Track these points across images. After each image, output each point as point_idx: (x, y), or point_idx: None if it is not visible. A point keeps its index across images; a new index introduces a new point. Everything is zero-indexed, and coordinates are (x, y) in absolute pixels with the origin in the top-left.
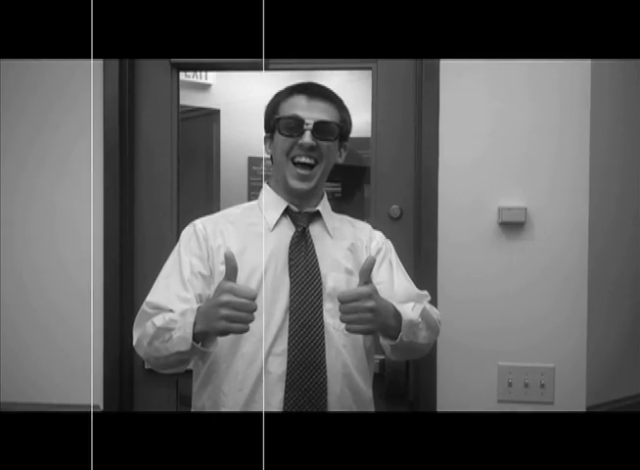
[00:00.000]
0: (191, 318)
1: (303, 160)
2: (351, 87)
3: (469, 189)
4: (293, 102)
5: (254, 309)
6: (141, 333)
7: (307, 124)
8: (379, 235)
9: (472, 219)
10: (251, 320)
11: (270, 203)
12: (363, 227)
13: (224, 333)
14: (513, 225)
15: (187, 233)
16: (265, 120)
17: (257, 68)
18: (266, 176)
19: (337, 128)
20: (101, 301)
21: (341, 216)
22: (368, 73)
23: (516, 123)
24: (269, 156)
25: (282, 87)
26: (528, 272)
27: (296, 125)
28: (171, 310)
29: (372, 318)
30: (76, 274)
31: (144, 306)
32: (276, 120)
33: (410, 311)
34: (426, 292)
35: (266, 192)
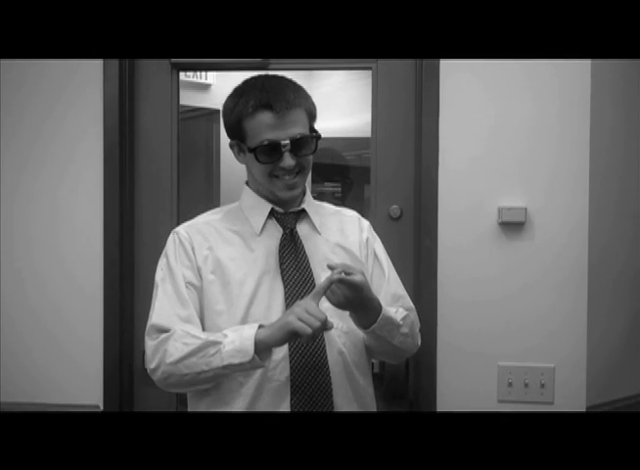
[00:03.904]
0: (251, 331)
1: (287, 178)
2: (351, 87)
3: (469, 189)
4: (260, 120)
5: (324, 321)
6: (161, 356)
7: (285, 146)
8: (367, 225)
9: (472, 219)
10: (318, 331)
11: (254, 207)
12: (351, 217)
13: (292, 334)
14: (513, 225)
15: (173, 243)
16: (228, 127)
17: (257, 68)
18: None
19: (314, 141)
20: (101, 301)
21: (326, 207)
22: (368, 73)
23: (516, 123)
24: (243, 163)
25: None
26: (528, 272)
27: (272, 150)
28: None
29: (352, 294)
30: (77, 274)
31: (151, 332)
32: (250, 150)
33: (393, 311)
34: (413, 306)
35: (248, 195)
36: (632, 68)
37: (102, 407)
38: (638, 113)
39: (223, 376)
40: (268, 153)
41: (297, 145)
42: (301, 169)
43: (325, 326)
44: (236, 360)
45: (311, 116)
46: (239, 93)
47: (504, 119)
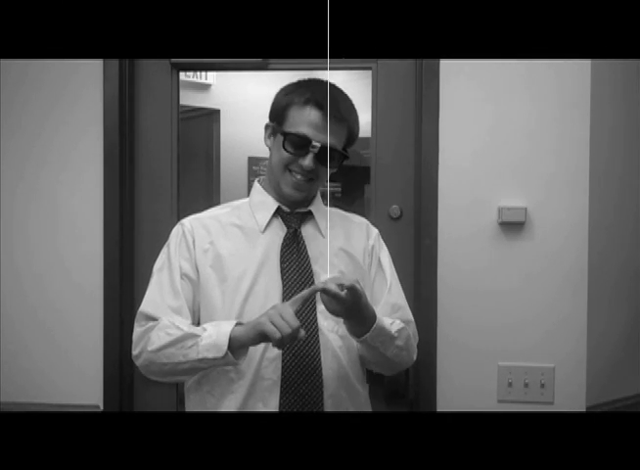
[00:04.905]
0: (227, 328)
1: (299, 177)
2: (351, 87)
3: (469, 189)
4: (305, 114)
5: (296, 329)
6: (144, 343)
7: (314, 147)
8: (375, 233)
9: (472, 219)
10: (287, 337)
11: (261, 203)
12: (360, 223)
13: (262, 335)
14: (513, 225)
15: (176, 234)
16: (273, 109)
17: (257, 68)
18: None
19: (340, 158)
20: (101, 301)
21: (335, 212)
22: (368, 73)
23: (515, 123)
24: (268, 146)
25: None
26: (528, 272)
27: (301, 145)
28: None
29: (345, 300)
30: (77, 274)
31: (140, 319)
32: (283, 133)
33: (389, 323)
34: (412, 318)
35: (257, 191)
36: (632, 68)
37: (102, 407)
38: (638, 112)
39: (202, 369)
40: (296, 145)
41: (324, 154)
42: (315, 178)
43: (296, 334)
44: (210, 355)
45: (350, 137)
46: (300, 84)
47: (504, 119)
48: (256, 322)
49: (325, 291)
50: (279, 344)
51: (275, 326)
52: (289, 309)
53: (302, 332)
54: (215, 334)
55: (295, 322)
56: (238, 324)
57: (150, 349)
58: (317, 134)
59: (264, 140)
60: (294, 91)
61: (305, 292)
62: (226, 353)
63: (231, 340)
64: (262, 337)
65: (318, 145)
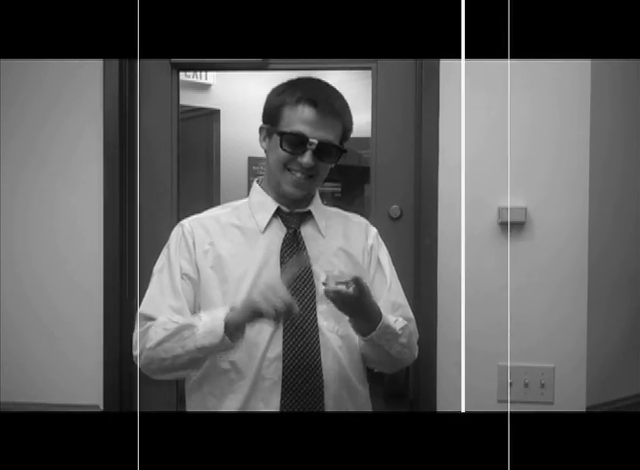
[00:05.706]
0: (222, 313)
1: (299, 175)
2: (351, 87)
3: (469, 189)
4: (299, 113)
5: (290, 305)
6: (143, 342)
7: (311, 144)
8: (374, 233)
9: (472, 219)
10: (282, 314)
11: (260, 204)
12: (359, 223)
13: (256, 313)
14: (513, 225)
15: (176, 235)
16: (266, 110)
17: (257, 68)
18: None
19: (338, 152)
20: (101, 301)
21: (334, 212)
22: (368, 73)
23: (515, 123)
24: (264, 149)
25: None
26: (528, 272)
27: (299, 143)
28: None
29: (353, 296)
30: (76, 274)
31: (140, 320)
32: (279, 133)
33: (392, 320)
34: (412, 316)
35: (256, 192)
36: (632, 68)
37: (102, 407)
38: (638, 112)
39: (201, 360)
40: (294, 143)
41: (322, 149)
42: (315, 174)
43: (291, 310)
44: (207, 342)
45: (345, 131)
46: (290, 84)
47: (504, 119)
48: (251, 301)
49: (327, 292)
50: (274, 319)
51: (269, 303)
52: (281, 285)
53: (297, 308)
54: (210, 321)
55: (288, 297)
56: (232, 309)
57: (148, 345)
58: (313, 131)
59: (259, 143)
60: (285, 91)
61: (295, 268)
62: (223, 338)
63: (226, 324)
64: (256, 315)
65: (315, 141)
